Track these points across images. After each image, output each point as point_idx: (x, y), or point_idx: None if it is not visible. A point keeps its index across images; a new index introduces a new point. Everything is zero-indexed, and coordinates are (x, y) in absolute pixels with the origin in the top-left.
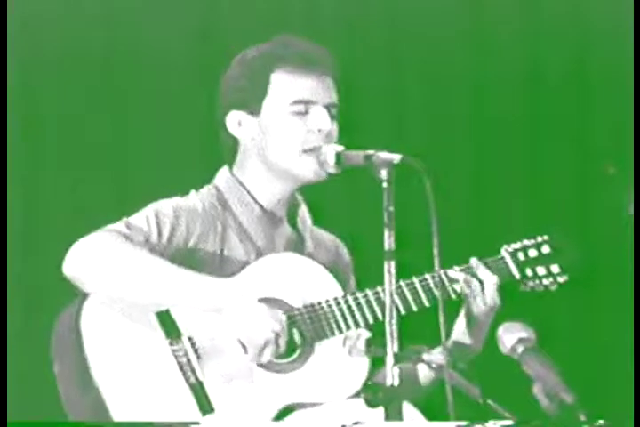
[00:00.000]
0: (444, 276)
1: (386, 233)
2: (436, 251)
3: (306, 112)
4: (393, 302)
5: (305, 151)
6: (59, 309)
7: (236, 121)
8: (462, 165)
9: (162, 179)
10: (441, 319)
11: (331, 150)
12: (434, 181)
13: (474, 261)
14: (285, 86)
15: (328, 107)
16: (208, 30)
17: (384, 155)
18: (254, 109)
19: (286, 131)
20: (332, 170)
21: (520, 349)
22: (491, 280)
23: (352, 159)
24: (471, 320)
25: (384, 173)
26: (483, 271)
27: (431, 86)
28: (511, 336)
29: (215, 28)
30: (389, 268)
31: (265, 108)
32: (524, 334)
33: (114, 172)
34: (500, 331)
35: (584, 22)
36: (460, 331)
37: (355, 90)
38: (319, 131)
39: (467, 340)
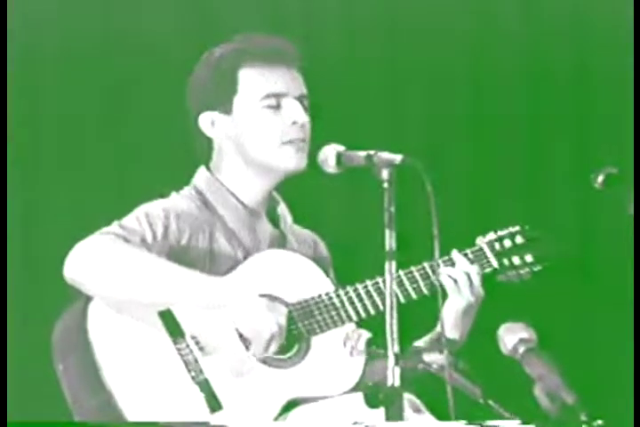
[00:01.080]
0: (428, 268)
1: (387, 234)
2: (437, 253)
3: (278, 105)
4: (393, 299)
5: (283, 144)
6: (59, 308)
7: (209, 121)
8: (462, 165)
9: (162, 179)
10: (441, 309)
11: (332, 150)
12: (434, 181)
13: (455, 253)
14: (254, 82)
15: (299, 98)
16: (208, 30)
17: (385, 155)
18: (226, 108)
19: (261, 125)
20: (333, 170)
21: (521, 349)
22: (474, 271)
23: (353, 159)
24: (458, 313)
25: (385, 174)
26: (465, 263)
27: (431, 86)
28: (512, 337)
29: (216, 27)
30: (390, 268)
31: (236, 105)
32: (525, 335)
33: (114, 172)
34: (502, 331)
35: (584, 22)
36: (446, 325)
37: (354, 90)
38: (293, 123)
39: (453, 333)
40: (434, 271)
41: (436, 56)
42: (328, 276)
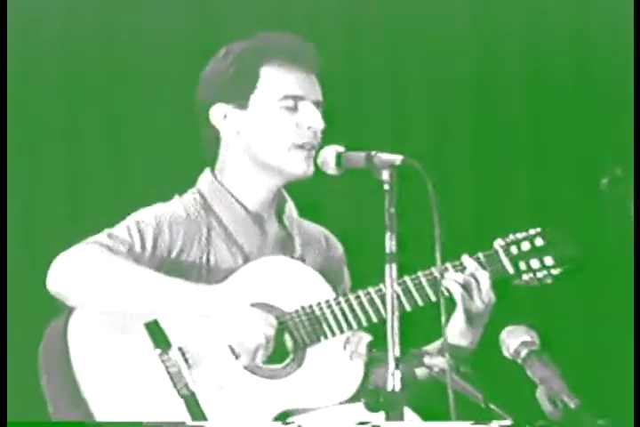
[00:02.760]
0: (437, 274)
1: (387, 235)
2: (438, 255)
3: (295, 107)
4: (394, 305)
5: (294, 146)
6: (59, 308)
7: (221, 114)
8: (464, 165)
9: (165, 181)
10: (442, 318)
11: (331, 151)
12: (436, 182)
13: (465, 258)
14: (275, 81)
15: (316, 104)
16: (209, 29)
17: (385, 156)
18: (242, 103)
19: (276, 125)
20: (333, 171)
21: (523, 352)
22: (484, 276)
23: (353, 160)
24: (467, 319)
25: (385, 175)
26: (475, 268)
27: (432, 87)
28: (514, 340)
29: (216, 27)
30: (391, 271)
31: (253, 102)
32: (527, 338)
33: (114, 174)
34: (504, 334)
35: (586, 25)
36: (454, 332)
37: (356, 90)
38: (309, 128)
39: (462, 340)
40: (443, 276)
41: (438, 56)
42: (342, 274)
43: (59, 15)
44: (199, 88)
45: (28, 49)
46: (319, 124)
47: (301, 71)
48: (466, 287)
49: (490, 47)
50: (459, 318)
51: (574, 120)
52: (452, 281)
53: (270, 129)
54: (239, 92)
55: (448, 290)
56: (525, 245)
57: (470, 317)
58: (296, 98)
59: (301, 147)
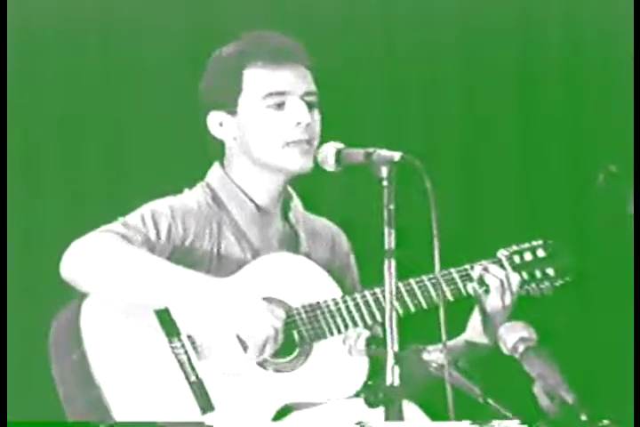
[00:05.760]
0: (455, 274)
1: (386, 231)
2: (436, 251)
3: (281, 104)
4: (393, 301)
5: (287, 144)
6: (59, 308)
7: (216, 122)
8: (457, 167)
9: (161, 177)
10: (442, 318)
11: (331, 148)
12: (433, 178)
13: (500, 253)
14: (258, 81)
15: (304, 96)
16: (207, 29)
17: (384, 153)
18: (232, 109)
19: (264, 126)
20: (332, 168)
21: (521, 348)
22: (515, 277)
23: (352, 157)
24: (490, 317)
25: (384, 171)
26: (497, 270)
27: (426, 88)
28: (512, 335)
29: (214, 26)
30: (389, 266)
31: (241, 105)
32: (525, 334)
33: (114, 171)
34: (502, 330)
35: (578, 21)
36: (477, 330)
37: (351, 89)
38: (297, 124)
39: (483, 338)
40: (435, 284)
41: (431, 56)
42: (348, 269)
43: (58, 14)
44: (198, 97)
45: (27, 48)
46: (306, 119)
47: (285, 67)
48: (503, 282)
49: (483, 48)
50: (486, 314)
51: (568, 119)
52: (492, 275)
53: (260, 130)
54: (227, 98)
55: (483, 283)
56: (528, 256)
57: (495, 312)
58: (281, 94)
59: (294, 143)
